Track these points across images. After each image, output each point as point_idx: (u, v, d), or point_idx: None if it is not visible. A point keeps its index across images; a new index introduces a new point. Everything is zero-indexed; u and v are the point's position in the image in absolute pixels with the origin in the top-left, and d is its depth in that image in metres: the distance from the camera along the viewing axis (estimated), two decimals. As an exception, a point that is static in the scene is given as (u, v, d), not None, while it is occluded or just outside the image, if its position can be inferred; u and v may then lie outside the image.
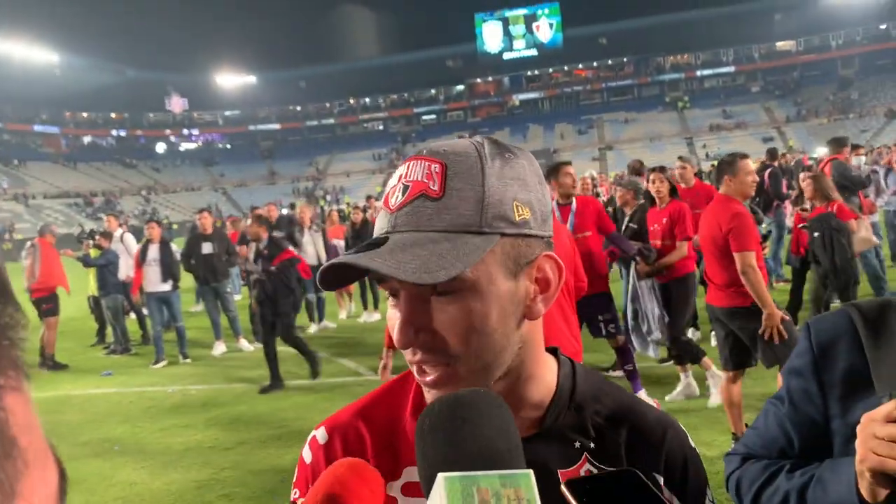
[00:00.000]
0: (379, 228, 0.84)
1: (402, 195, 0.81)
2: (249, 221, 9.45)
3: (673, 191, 6.31)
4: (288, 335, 7.86)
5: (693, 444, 0.99)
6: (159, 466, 5.72)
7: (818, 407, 1.29)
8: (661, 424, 0.96)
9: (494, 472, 0.61)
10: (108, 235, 10.86)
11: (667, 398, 6.02)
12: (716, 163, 23.67)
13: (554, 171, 5.84)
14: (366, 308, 11.73)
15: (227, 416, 6.96)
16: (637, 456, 0.91)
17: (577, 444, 0.89)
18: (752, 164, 4.99)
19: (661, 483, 0.92)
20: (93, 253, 10.94)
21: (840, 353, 1.27)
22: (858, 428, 1.07)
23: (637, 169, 9.20)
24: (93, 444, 5.89)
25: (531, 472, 0.62)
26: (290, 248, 8.17)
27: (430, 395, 0.85)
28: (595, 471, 0.88)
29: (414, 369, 0.85)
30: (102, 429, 6.85)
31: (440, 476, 0.61)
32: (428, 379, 0.83)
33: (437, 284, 0.78)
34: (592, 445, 0.90)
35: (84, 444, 6.40)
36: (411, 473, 0.88)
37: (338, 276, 0.82)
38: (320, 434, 0.96)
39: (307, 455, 0.96)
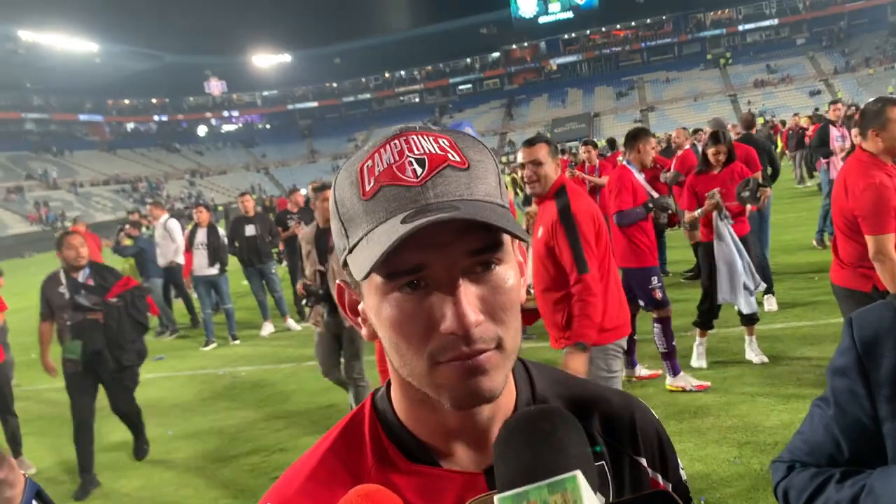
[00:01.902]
0: (395, 208, 0.72)
1: (423, 168, 0.74)
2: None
3: (730, 154, 6.03)
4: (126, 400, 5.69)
5: (654, 414, 0.98)
6: (212, 450, 5.84)
7: (866, 409, 1.18)
8: (627, 405, 0.94)
9: (543, 483, 0.63)
10: (137, 225, 11.08)
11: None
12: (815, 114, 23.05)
13: (639, 138, 5.72)
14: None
15: (278, 397, 7.05)
16: (617, 442, 0.89)
17: None
18: None
19: (645, 464, 0.90)
20: (127, 242, 11.19)
21: (886, 350, 1.16)
22: None
23: (749, 121, 8.86)
24: (148, 427, 6.02)
25: (577, 473, 0.63)
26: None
27: (470, 391, 0.73)
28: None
29: (453, 366, 0.73)
30: (156, 413, 7.00)
31: (495, 498, 0.64)
32: (481, 365, 0.73)
33: (488, 257, 0.73)
34: None
35: (140, 428, 6.56)
36: None
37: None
38: None
39: None
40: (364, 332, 0.81)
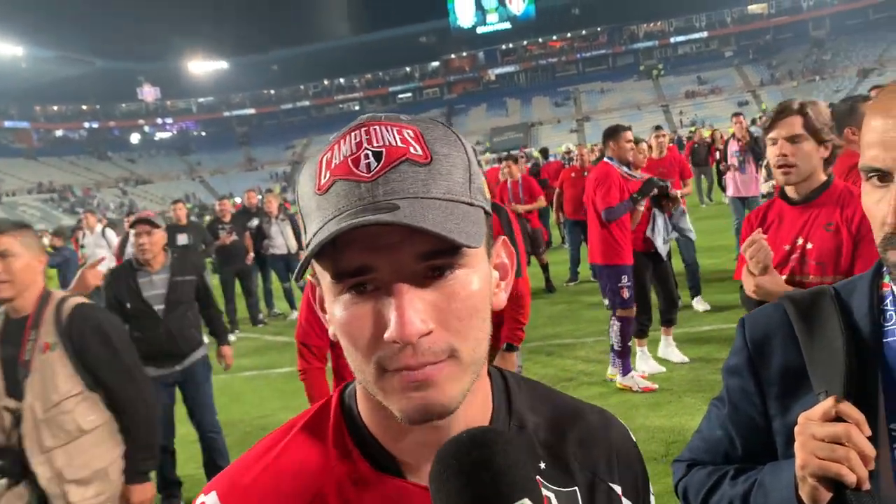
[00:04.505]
0: (343, 205, 0.69)
1: (378, 161, 0.69)
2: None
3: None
4: None
5: (633, 436, 0.94)
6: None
7: (757, 407, 1.22)
8: (604, 422, 0.91)
9: None
10: (60, 235, 10.84)
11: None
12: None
13: (613, 135, 5.83)
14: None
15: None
16: (590, 466, 0.86)
17: None
18: None
19: (620, 493, 0.87)
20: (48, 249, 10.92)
21: (775, 349, 1.19)
22: (796, 430, 1.01)
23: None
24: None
25: (525, 501, 0.62)
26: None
27: (416, 405, 0.69)
28: (551, 495, 0.81)
29: (400, 375, 0.69)
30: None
31: None
32: (428, 377, 0.69)
33: (441, 261, 0.69)
34: (543, 466, 0.83)
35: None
36: None
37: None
38: (210, 502, 0.77)
39: None
40: (331, 331, 0.76)
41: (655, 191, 5.74)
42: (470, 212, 0.71)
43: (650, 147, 7.71)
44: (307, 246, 0.71)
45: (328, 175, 0.71)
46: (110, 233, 10.59)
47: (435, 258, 0.68)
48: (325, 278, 0.72)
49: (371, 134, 0.71)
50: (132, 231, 4.69)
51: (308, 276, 0.79)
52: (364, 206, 0.67)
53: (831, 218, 2.58)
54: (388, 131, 0.71)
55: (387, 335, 0.67)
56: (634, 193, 5.59)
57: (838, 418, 0.97)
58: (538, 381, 0.93)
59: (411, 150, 0.70)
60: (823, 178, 2.68)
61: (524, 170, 15.49)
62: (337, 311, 0.71)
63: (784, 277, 2.56)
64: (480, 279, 0.72)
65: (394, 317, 0.67)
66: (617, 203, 5.57)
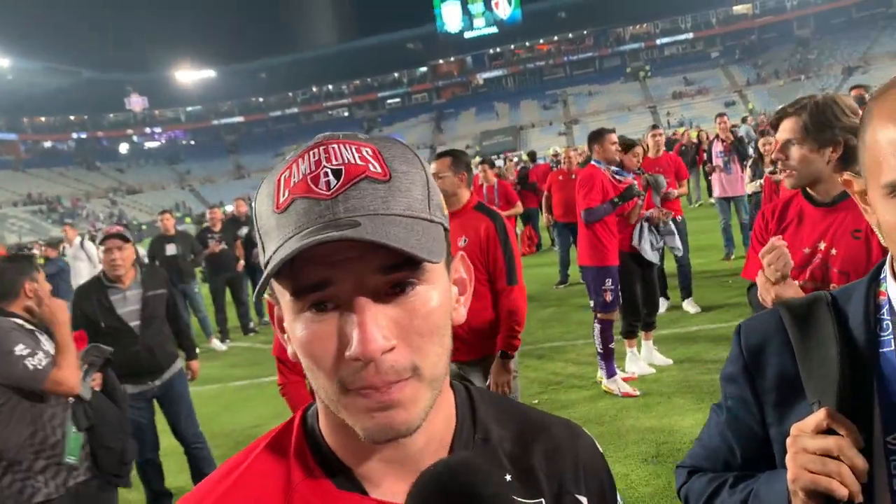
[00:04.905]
0: (304, 222, 0.69)
1: (338, 179, 0.70)
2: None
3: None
4: None
5: (600, 447, 0.95)
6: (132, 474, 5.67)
7: (755, 415, 1.20)
8: (571, 434, 0.91)
9: None
10: (54, 245, 10.84)
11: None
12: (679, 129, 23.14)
13: (597, 138, 5.88)
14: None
15: (202, 418, 6.89)
16: (556, 477, 0.86)
17: None
18: None
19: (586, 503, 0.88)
20: (39, 261, 10.91)
21: (770, 357, 1.17)
22: (788, 442, 0.99)
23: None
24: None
25: None
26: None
27: (380, 424, 0.70)
28: None
29: (363, 395, 0.69)
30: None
31: None
32: (392, 398, 0.69)
33: (402, 276, 0.69)
34: (509, 478, 0.83)
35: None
36: None
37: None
38: None
39: None
40: (290, 349, 0.75)
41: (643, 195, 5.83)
42: (430, 228, 0.72)
43: (646, 147, 7.74)
44: (266, 265, 0.71)
45: (287, 193, 0.71)
46: (89, 244, 10.58)
47: (395, 271, 0.68)
48: (284, 297, 0.71)
49: (330, 152, 0.71)
50: (102, 247, 4.52)
51: (266, 296, 0.78)
52: (325, 224, 0.67)
53: (859, 224, 2.35)
54: (346, 149, 0.72)
55: (349, 353, 0.67)
56: (614, 197, 5.63)
57: (831, 430, 0.95)
58: (504, 395, 0.94)
59: (370, 167, 0.71)
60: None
61: (514, 173, 15.57)
62: (297, 329, 0.70)
63: (801, 283, 2.42)
64: (440, 295, 0.73)
65: (356, 333, 0.66)
66: (597, 205, 5.62)
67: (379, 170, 0.71)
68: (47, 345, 3.20)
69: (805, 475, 0.94)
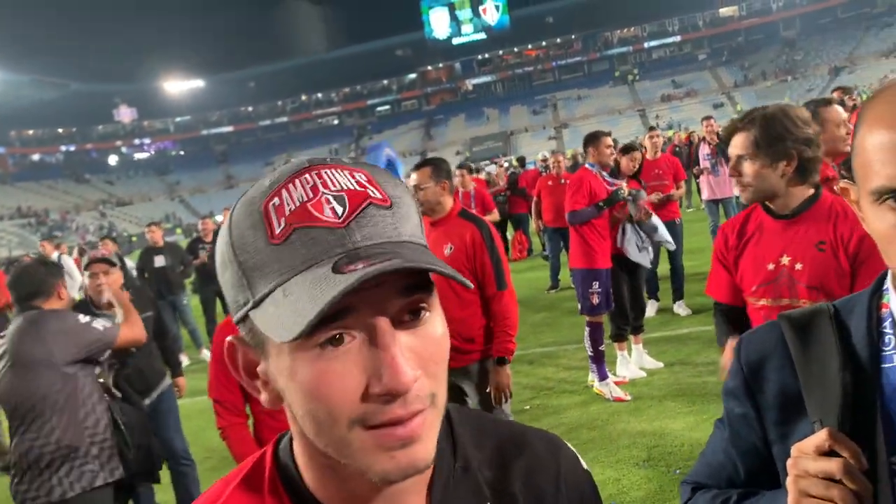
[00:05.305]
0: (316, 253, 0.64)
1: (343, 206, 0.66)
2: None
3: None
4: None
5: (583, 461, 0.93)
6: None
7: (756, 431, 1.16)
8: (552, 450, 0.89)
9: None
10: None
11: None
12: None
13: (592, 142, 5.89)
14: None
15: (191, 431, 6.84)
16: (536, 495, 0.84)
17: None
18: None
19: None
20: None
21: (771, 373, 1.13)
22: (788, 463, 0.95)
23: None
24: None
25: None
26: None
27: (401, 464, 0.66)
28: None
29: (382, 432, 0.65)
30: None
31: None
32: (415, 433, 0.65)
33: (419, 298, 0.67)
34: None
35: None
36: None
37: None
38: None
39: None
40: (264, 397, 0.70)
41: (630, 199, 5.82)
42: (434, 255, 0.69)
43: (644, 148, 7.75)
44: (260, 301, 0.66)
45: (283, 223, 0.65)
46: (67, 259, 10.53)
47: (414, 293, 0.66)
48: (278, 336, 0.64)
49: (324, 178, 0.68)
50: (87, 273, 4.38)
51: (230, 338, 0.73)
52: (346, 253, 0.64)
53: (822, 236, 2.33)
54: (340, 174, 0.69)
55: (378, 388, 0.63)
56: (599, 201, 5.63)
57: (833, 451, 0.91)
58: (482, 412, 0.91)
59: (370, 193, 0.68)
60: (809, 191, 2.41)
61: (503, 178, 15.55)
62: (303, 370, 0.65)
63: (768, 301, 2.40)
64: (442, 321, 0.71)
65: (387, 366, 0.63)
66: (581, 207, 5.62)
67: (379, 196, 0.68)
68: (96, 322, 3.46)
69: (806, 501, 0.92)
